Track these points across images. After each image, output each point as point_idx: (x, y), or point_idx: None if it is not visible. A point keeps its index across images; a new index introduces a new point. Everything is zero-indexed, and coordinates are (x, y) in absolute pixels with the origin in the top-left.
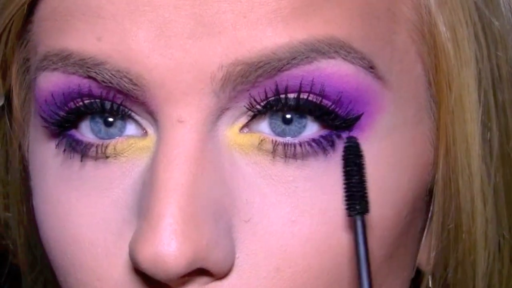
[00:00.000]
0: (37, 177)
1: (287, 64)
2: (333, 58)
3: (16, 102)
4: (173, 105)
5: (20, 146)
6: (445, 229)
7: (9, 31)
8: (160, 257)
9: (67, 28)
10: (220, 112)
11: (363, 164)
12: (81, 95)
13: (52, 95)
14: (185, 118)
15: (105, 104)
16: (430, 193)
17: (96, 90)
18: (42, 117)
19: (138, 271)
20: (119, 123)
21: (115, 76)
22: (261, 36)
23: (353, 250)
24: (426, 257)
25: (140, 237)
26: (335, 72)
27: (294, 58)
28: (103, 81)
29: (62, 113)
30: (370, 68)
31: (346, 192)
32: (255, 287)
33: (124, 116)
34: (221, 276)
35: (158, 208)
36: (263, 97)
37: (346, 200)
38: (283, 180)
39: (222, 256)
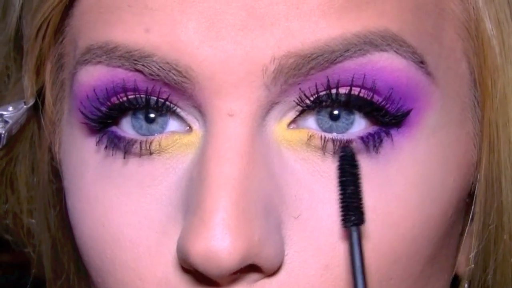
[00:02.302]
0: (73, 175)
1: (340, 56)
2: (386, 51)
3: (49, 100)
4: (223, 98)
5: (50, 147)
6: (486, 229)
7: (48, 25)
8: (213, 252)
9: (112, 20)
10: (269, 106)
11: (358, 174)
12: (125, 89)
13: (94, 90)
14: (236, 111)
15: (150, 99)
16: (470, 195)
17: (141, 84)
18: (82, 113)
19: (184, 269)
20: (160, 119)
21: (163, 69)
22: (314, 27)
23: (349, 262)
24: (465, 258)
25: (192, 232)
26: (387, 66)
27: (347, 50)
28: (150, 74)
29: (104, 109)
30: (421, 63)
31: (341, 202)
32: (304, 284)
33: (167, 112)
34: (271, 273)
35: (210, 203)
36: (313, 91)
37: (341, 211)
38: (332, 176)
39: (273, 252)
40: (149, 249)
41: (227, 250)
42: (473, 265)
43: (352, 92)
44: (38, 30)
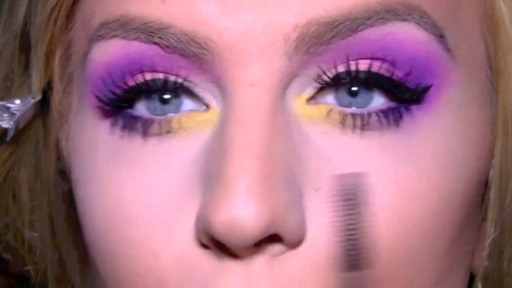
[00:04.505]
0: (85, 163)
1: (362, 24)
2: (407, 21)
3: (57, 94)
4: (244, 69)
5: (57, 145)
6: (502, 213)
7: (61, 6)
8: (237, 220)
9: None
10: (290, 78)
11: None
12: (142, 65)
13: (108, 69)
14: (257, 81)
15: (168, 81)
16: (487, 184)
17: (158, 60)
18: (96, 96)
19: (202, 245)
20: (175, 100)
21: (181, 40)
22: None
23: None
24: (481, 245)
25: (214, 201)
26: (408, 38)
27: (369, 18)
28: (167, 47)
29: (119, 92)
30: (441, 37)
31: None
32: (326, 257)
33: (184, 92)
34: (293, 244)
35: (233, 170)
36: (331, 67)
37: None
38: (353, 150)
39: (297, 221)
40: (164, 226)
41: (251, 217)
42: (487, 255)
43: (372, 69)
44: (51, 12)
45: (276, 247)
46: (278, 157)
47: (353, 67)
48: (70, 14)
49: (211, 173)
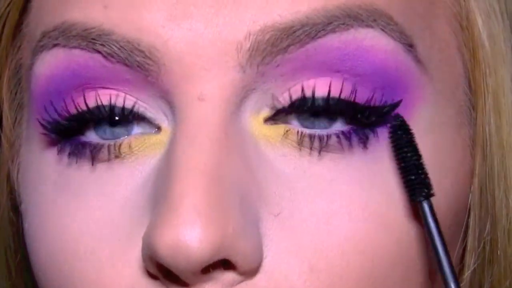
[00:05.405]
0: (32, 194)
1: (321, 30)
2: (371, 27)
3: (6, 122)
4: (192, 82)
5: (8, 177)
6: (481, 243)
7: (4, 23)
8: (182, 241)
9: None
10: (245, 93)
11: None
12: (83, 79)
13: (49, 93)
14: (207, 95)
15: (115, 108)
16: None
17: (101, 73)
18: (40, 123)
19: (151, 275)
20: (125, 122)
21: (124, 49)
22: None
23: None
24: (460, 278)
25: (158, 222)
26: (373, 45)
27: (329, 24)
28: (110, 55)
29: (62, 121)
30: (409, 46)
31: (404, 177)
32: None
33: (134, 118)
34: (247, 272)
35: (180, 188)
36: (286, 97)
37: (407, 186)
38: (316, 173)
39: (250, 248)
40: (112, 258)
41: (197, 238)
42: (469, 283)
43: (332, 94)
44: None
45: (229, 275)
46: (231, 177)
47: (308, 93)
48: (17, 32)
49: (158, 195)
